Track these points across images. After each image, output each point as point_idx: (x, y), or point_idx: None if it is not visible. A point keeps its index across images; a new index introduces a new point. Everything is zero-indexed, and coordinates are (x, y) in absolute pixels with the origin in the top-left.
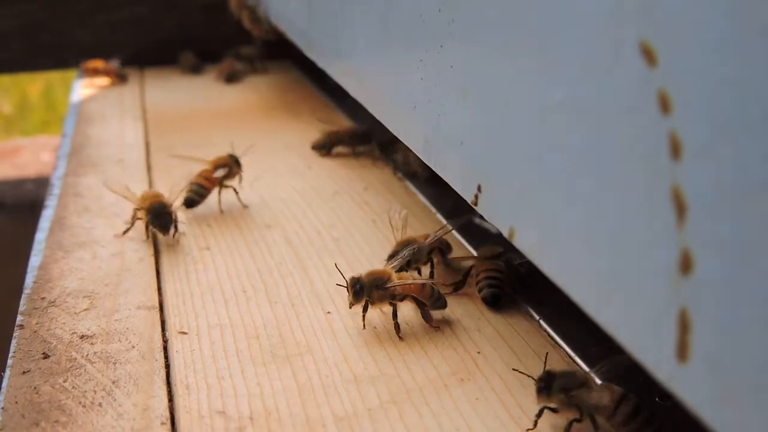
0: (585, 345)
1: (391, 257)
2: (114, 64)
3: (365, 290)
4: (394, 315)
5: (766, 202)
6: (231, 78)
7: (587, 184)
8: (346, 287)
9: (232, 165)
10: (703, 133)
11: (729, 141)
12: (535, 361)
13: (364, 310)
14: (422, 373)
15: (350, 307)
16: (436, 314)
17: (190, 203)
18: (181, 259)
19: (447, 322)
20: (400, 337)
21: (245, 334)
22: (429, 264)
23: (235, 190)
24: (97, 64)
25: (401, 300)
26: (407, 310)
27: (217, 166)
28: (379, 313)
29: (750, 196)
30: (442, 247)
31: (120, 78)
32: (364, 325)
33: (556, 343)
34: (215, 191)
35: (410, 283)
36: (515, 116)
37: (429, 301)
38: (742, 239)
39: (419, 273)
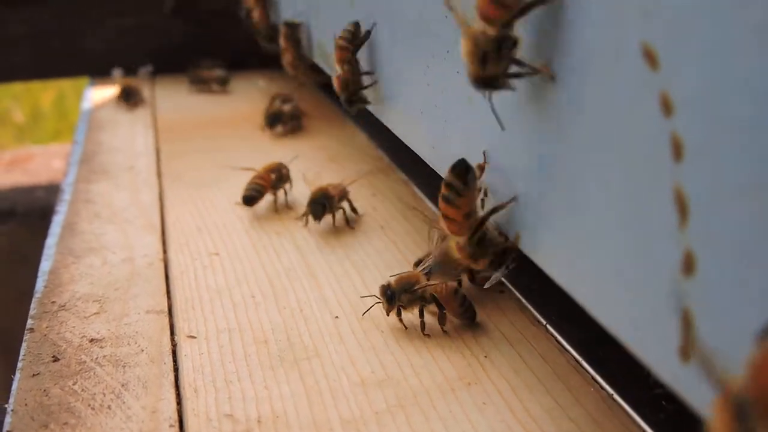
0: (591, 348)
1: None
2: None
3: (396, 295)
4: (421, 313)
5: (766, 201)
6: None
7: (590, 187)
8: (378, 296)
9: (281, 170)
10: (704, 134)
11: (730, 141)
12: (542, 365)
13: (398, 313)
14: (429, 377)
15: (387, 314)
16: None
17: (248, 200)
18: (191, 264)
19: (454, 326)
20: (426, 335)
21: (253, 339)
22: (458, 284)
23: (285, 191)
24: (129, 82)
25: (431, 302)
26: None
27: (268, 170)
28: (385, 318)
29: (751, 196)
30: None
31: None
32: (405, 326)
33: (563, 346)
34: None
35: (440, 285)
36: (520, 121)
37: (458, 311)
38: (743, 239)
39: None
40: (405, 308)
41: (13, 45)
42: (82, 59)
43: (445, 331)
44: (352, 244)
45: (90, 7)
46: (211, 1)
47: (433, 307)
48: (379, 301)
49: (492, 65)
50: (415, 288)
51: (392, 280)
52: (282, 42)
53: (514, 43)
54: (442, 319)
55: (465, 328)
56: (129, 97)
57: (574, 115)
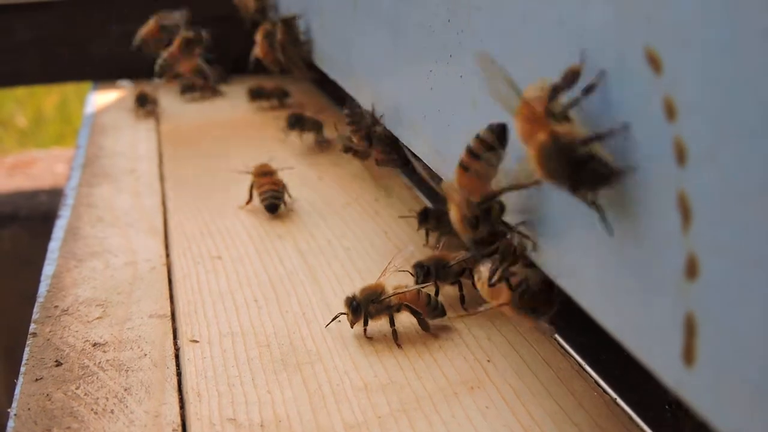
0: (594, 352)
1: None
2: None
3: (362, 307)
4: (391, 323)
5: None
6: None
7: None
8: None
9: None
10: (707, 138)
11: (733, 146)
12: (545, 369)
13: (365, 323)
14: (432, 381)
15: (352, 327)
16: (441, 323)
17: (274, 208)
18: (193, 268)
19: (456, 331)
20: (398, 345)
21: (256, 343)
22: (458, 287)
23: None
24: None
25: (398, 310)
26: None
27: (264, 172)
28: (387, 322)
29: (755, 200)
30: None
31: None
32: (365, 331)
33: (566, 351)
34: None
35: (403, 292)
36: None
37: (426, 310)
38: (747, 243)
39: (437, 289)
40: (373, 318)
41: (20, 50)
42: (87, 64)
43: (435, 335)
44: (355, 248)
45: (95, 12)
46: (214, 7)
47: (407, 314)
48: (344, 313)
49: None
50: (382, 297)
51: (357, 291)
52: (278, 35)
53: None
54: (423, 324)
55: (467, 333)
56: (144, 103)
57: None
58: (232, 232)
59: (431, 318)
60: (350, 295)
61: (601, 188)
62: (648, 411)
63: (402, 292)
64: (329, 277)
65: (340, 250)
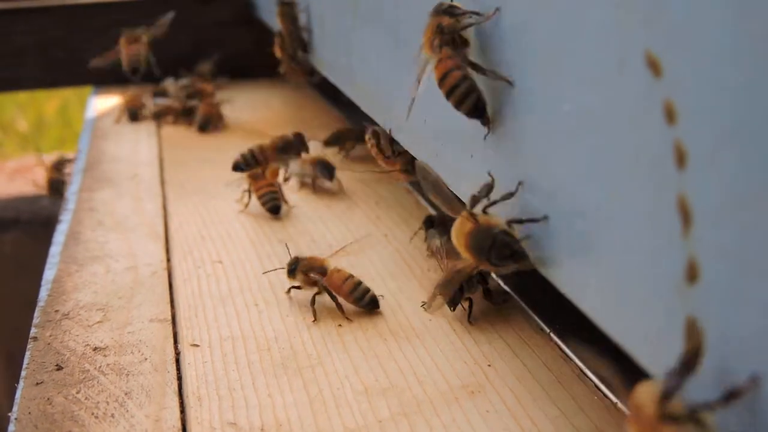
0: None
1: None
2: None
3: (296, 270)
4: (312, 302)
5: None
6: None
7: (594, 194)
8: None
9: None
10: (708, 142)
11: (734, 149)
12: (546, 374)
13: (289, 290)
14: (433, 385)
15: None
16: (438, 324)
17: (276, 209)
18: (194, 272)
19: (457, 335)
20: (313, 320)
21: (257, 347)
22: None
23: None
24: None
25: (319, 291)
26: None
27: (259, 174)
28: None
29: (755, 204)
30: (482, 274)
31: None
32: (288, 291)
33: (567, 355)
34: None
35: (327, 273)
36: (523, 128)
37: (350, 298)
38: (748, 247)
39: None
40: (301, 287)
41: (19, 55)
42: (86, 69)
43: (350, 320)
44: (355, 252)
45: (95, 16)
46: (216, 11)
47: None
48: (283, 268)
49: None
50: (309, 271)
51: (304, 256)
52: (278, 21)
53: None
54: (339, 308)
55: (468, 337)
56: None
57: (578, 124)
58: (233, 236)
59: (359, 307)
60: (295, 257)
61: None
62: None
63: (324, 272)
64: None
65: (341, 254)
